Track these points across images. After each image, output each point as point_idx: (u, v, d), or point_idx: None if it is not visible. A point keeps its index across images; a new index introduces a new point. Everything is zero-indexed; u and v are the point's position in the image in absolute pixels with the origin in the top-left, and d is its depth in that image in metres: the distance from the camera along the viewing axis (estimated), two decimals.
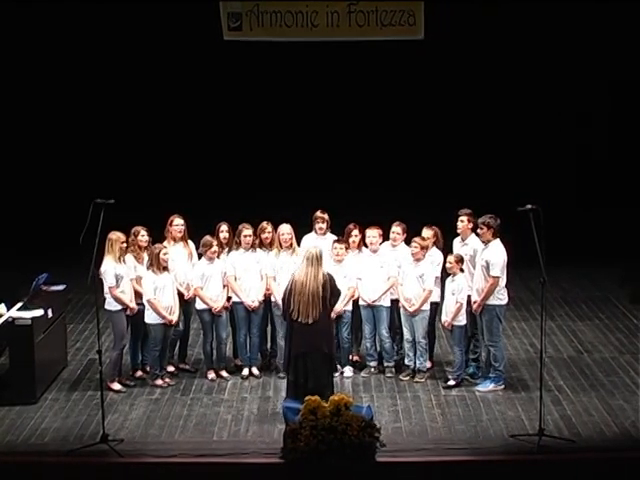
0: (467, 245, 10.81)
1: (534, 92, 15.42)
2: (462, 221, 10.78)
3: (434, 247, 10.92)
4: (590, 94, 15.26)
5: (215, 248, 10.75)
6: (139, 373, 10.97)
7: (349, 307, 10.95)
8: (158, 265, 10.52)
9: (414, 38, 14.82)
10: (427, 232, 10.91)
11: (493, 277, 10.26)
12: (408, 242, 10.86)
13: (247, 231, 10.90)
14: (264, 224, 11.03)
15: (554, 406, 10.01)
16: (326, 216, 11.26)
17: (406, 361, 10.90)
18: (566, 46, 15.05)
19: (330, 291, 9.64)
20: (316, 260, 9.61)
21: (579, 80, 15.27)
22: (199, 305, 10.91)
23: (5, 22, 14.83)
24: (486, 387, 10.49)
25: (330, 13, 14.74)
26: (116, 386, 10.60)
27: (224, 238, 11.01)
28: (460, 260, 10.62)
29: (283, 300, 9.79)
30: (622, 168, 15.41)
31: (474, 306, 10.46)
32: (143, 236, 10.82)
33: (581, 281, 14.82)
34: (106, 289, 10.50)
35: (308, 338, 9.53)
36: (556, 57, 15.18)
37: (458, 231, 10.87)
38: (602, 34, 14.88)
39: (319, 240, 11.14)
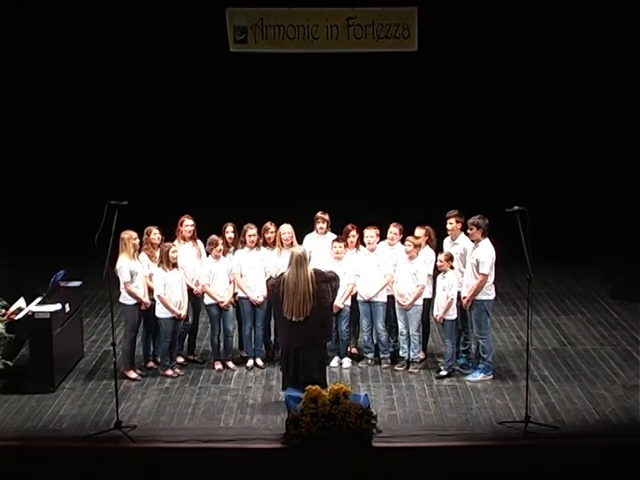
0: (457, 244, 10.81)
1: (521, 96, 15.37)
2: (451, 223, 10.79)
3: (427, 246, 10.93)
4: (578, 98, 15.22)
5: (221, 247, 10.75)
6: (150, 364, 10.98)
7: (348, 302, 10.96)
8: (167, 263, 10.52)
9: (408, 50, 14.81)
10: (419, 231, 10.92)
11: (482, 274, 10.27)
12: (404, 241, 10.89)
13: (252, 231, 10.91)
14: (267, 224, 11.04)
15: (539, 395, 10.02)
16: (326, 216, 11.26)
17: (401, 353, 10.91)
18: (556, 52, 15.00)
19: (324, 280, 9.66)
20: (304, 260, 9.65)
21: (569, 84, 15.23)
22: (207, 300, 10.92)
23: (34, 24, 14.81)
24: (476, 377, 10.50)
25: (330, 26, 14.70)
26: (132, 374, 10.62)
27: (229, 238, 11.01)
28: (450, 258, 10.62)
29: (270, 296, 9.84)
30: (604, 169, 15.38)
31: (464, 301, 10.47)
32: (155, 234, 10.83)
33: (565, 278, 14.79)
34: (121, 284, 10.52)
35: (300, 334, 9.56)
36: (547, 61, 15.12)
37: (448, 232, 10.88)
38: (592, 40, 14.82)
39: (320, 239, 11.18)
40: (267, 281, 10.52)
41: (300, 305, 9.54)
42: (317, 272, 9.77)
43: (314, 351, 9.62)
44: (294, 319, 9.56)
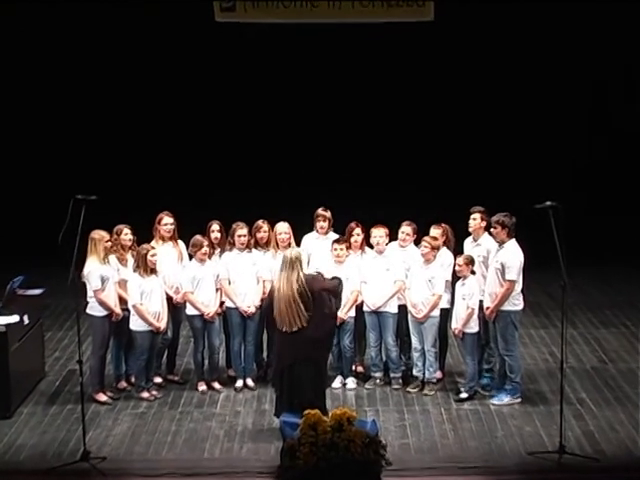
0: (480, 245, 10.77)
1: (552, 85, 15.40)
2: (474, 219, 10.74)
3: (444, 247, 10.90)
4: (609, 85, 15.29)
5: (206, 249, 10.73)
6: (123, 385, 10.95)
7: (352, 313, 10.92)
8: (145, 268, 10.49)
9: (423, 20, 14.77)
10: (435, 231, 10.89)
11: (508, 281, 10.21)
12: (417, 243, 10.86)
13: (241, 230, 10.87)
14: (260, 222, 11.01)
15: (576, 421, 9.99)
16: (328, 214, 11.23)
17: (414, 372, 10.88)
18: (585, 37, 15.03)
19: (324, 289, 9.56)
20: (290, 263, 9.49)
21: (600, 72, 15.27)
22: (189, 311, 10.89)
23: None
24: (501, 400, 10.46)
25: None
26: (102, 397, 10.59)
27: (215, 238, 10.99)
28: (471, 262, 10.56)
29: (265, 309, 9.86)
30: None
31: (487, 312, 10.43)
32: (127, 235, 10.80)
33: (604, 285, 14.82)
34: (90, 292, 10.48)
35: (292, 348, 9.50)
36: (575, 47, 15.16)
37: (470, 230, 10.84)
38: (620, 26, 14.88)
39: (320, 240, 11.15)
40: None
41: (291, 314, 9.45)
42: (316, 278, 9.71)
43: (311, 369, 9.55)
44: (285, 329, 9.51)
